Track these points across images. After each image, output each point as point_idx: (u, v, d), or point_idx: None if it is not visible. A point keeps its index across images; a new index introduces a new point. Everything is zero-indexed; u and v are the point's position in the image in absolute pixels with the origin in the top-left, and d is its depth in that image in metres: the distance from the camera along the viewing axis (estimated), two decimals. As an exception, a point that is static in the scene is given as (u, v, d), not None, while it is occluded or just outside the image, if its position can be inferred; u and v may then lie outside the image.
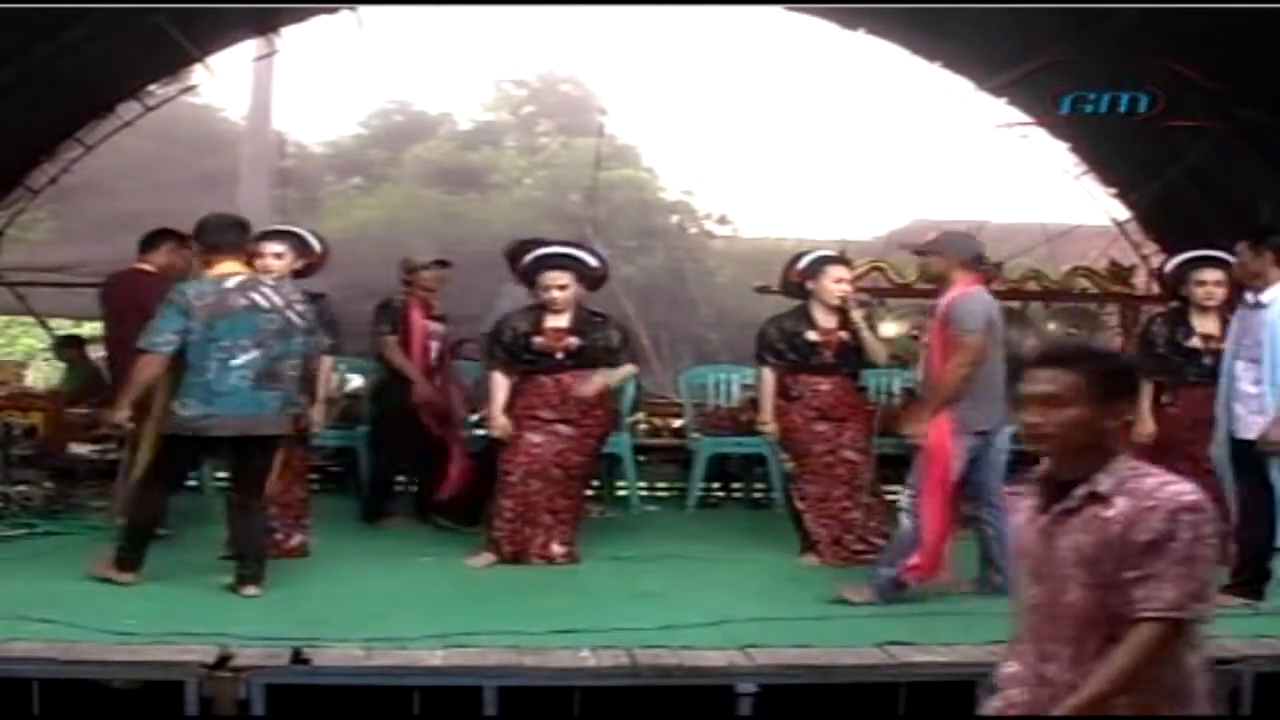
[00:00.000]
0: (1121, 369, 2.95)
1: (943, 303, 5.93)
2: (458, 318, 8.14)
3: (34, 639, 4.63)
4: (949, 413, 5.73)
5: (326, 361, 6.67)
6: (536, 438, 6.46)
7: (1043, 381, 2.85)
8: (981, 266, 6.29)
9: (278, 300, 5.69)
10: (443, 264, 7.85)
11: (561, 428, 6.52)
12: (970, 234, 6.16)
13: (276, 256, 6.40)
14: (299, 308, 5.76)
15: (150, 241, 7.01)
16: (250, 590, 5.65)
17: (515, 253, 7.31)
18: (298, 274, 6.58)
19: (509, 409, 6.58)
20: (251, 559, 5.73)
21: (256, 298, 5.65)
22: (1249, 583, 5.79)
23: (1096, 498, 2.79)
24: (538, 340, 6.50)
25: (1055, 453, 2.88)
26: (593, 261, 6.73)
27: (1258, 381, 5.77)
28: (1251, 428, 5.77)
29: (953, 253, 6.03)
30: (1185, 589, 2.70)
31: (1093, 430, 2.82)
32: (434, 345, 7.70)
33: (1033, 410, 2.86)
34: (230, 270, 5.68)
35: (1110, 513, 2.76)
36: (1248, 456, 5.79)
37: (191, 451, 5.87)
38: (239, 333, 5.57)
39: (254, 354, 5.57)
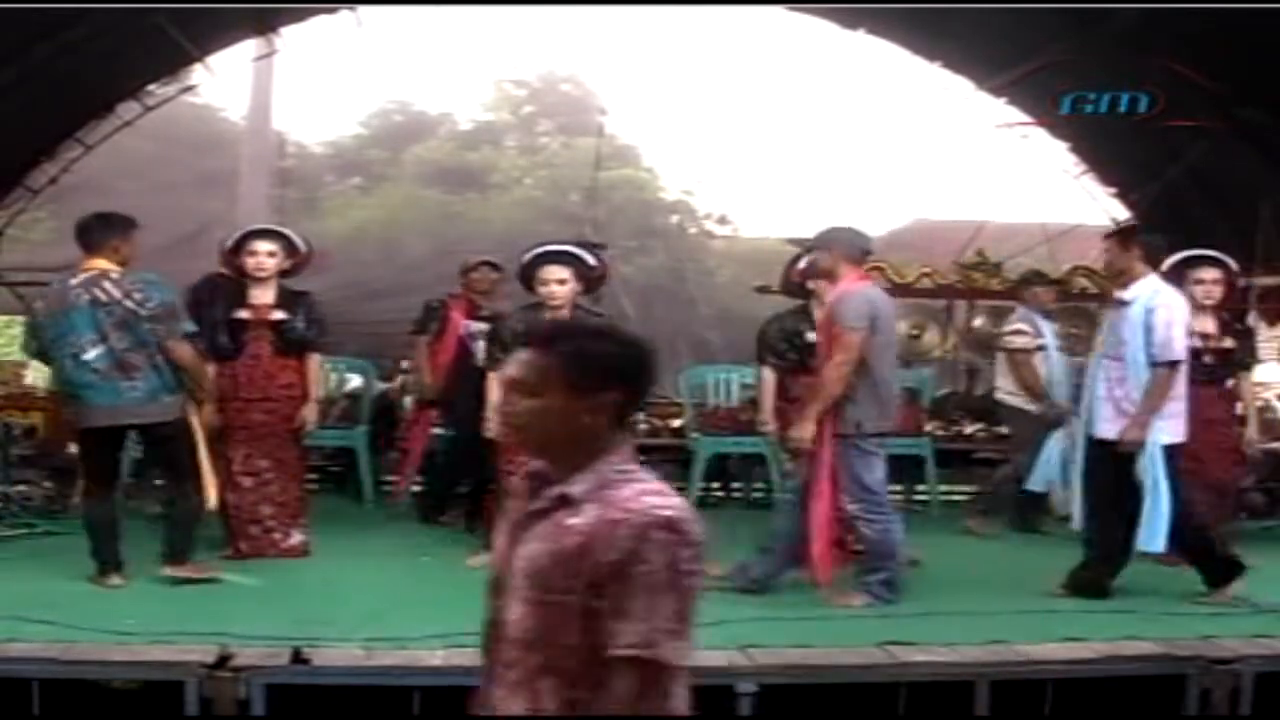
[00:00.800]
0: (604, 354, 2.39)
1: (830, 299, 5.87)
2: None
3: (34, 639, 4.63)
4: (838, 415, 5.68)
5: (315, 359, 6.67)
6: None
7: (515, 364, 2.41)
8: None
9: (116, 293, 5.74)
10: (493, 266, 7.92)
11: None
12: (858, 230, 6.10)
13: (270, 255, 6.48)
14: (138, 297, 5.78)
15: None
16: (170, 570, 5.76)
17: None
18: (284, 273, 6.61)
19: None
20: (172, 541, 5.83)
21: (97, 292, 5.73)
22: (1087, 585, 5.78)
23: (567, 501, 2.32)
24: None
25: (531, 446, 2.45)
26: (591, 260, 6.72)
27: (1121, 380, 5.76)
28: (1112, 428, 5.76)
29: (840, 248, 5.91)
30: (654, 623, 2.21)
31: (567, 422, 2.34)
32: (478, 345, 7.68)
33: (507, 396, 2.43)
34: (87, 267, 5.79)
35: (575, 521, 2.29)
36: (1105, 457, 5.79)
37: (90, 446, 5.95)
38: (82, 328, 5.71)
39: (101, 347, 5.71)
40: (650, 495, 2.29)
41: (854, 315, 5.67)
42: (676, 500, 2.30)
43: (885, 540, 5.70)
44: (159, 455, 6.08)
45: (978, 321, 10.00)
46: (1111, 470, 5.74)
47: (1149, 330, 5.67)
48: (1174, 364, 5.71)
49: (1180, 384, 5.78)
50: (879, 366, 5.70)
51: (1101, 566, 5.84)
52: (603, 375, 2.36)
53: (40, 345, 5.93)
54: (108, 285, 5.74)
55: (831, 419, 5.70)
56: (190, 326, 5.96)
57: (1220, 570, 5.87)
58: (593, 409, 2.34)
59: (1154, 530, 5.66)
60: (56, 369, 5.90)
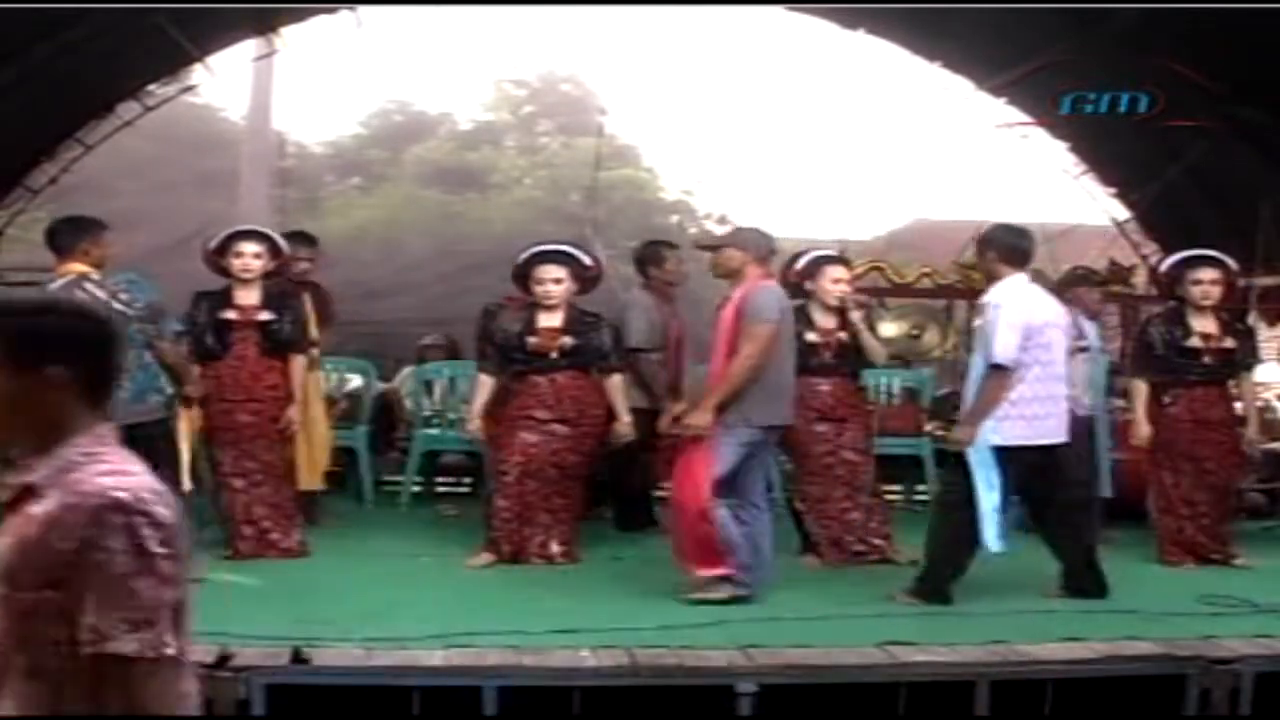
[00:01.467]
0: (45, 328, 2.18)
1: (736, 296, 5.85)
2: (453, 318, 8.11)
3: (34, 639, 4.63)
4: (732, 406, 5.70)
5: (300, 360, 6.67)
6: (532, 438, 6.45)
7: None
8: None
9: (101, 295, 5.74)
10: (671, 245, 7.93)
11: (558, 427, 6.51)
12: (763, 230, 6.08)
13: (256, 256, 6.46)
14: (124, 298, 5.79)
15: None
16: None
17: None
18: (269, 275, 6.60)
19: (503, 409, 6.58)
20: None
21: (79, 295, 5.68)
22: (920, 584, 5.76)
23: (31, 491, 2.13)
24: (532, 340, 6.49)
25: None
26: (587, 260, 6.72)
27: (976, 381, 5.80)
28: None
29: (749, 247, 5.90)
30: (113, 615, 2.01)
31: (14, 403, 2.15)
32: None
33: None
34: (64, 271, 5.78)
35: (37, 510, 2.10)
36: (948, 455, 5.94)
37: None
38: None
39: None
40: (108, 476, 2.11)
41: (768, 308, 5.73)
42: (139, 480, 2.13)
43: (726, 535, 5.70)
44: (142, 455, 6.00)
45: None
46: (958, 472, 5.76)
47: (988, 333, 5.69)
48: (999, 368, 5.65)
49: (1023, 387, 5.64)
50: (775, 361, 5.73)
51: (942, 567, 5.80)
52: (45, 350, 2.15)
53: None
54: (89, 287, 5.74)
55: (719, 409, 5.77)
56: (177, 325, 5.96)
57: (1085, 582, 5.84)
58: (40, 387, 2.14)
59: (989, 531, 5.65)
60: None
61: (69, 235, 5.91)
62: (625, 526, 7.47)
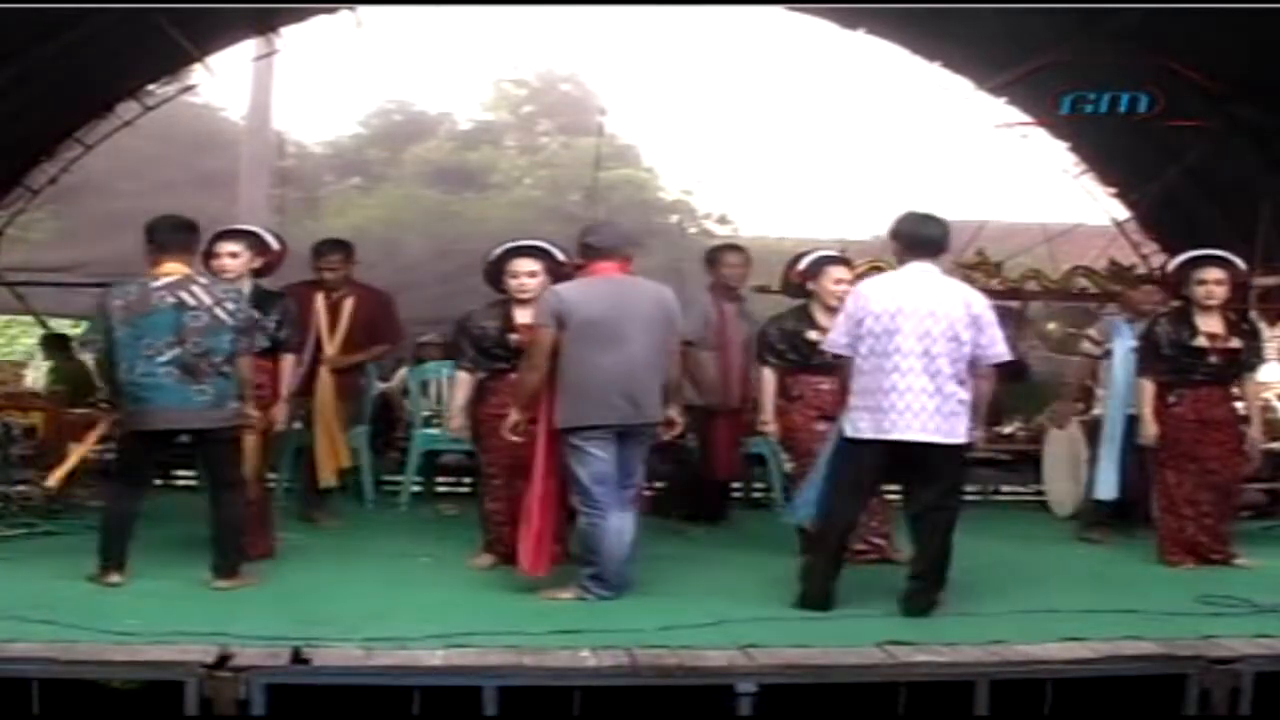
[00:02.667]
0: None
1: None
2: (452, 318, 8.07)
3: (34, 639, 4.63)
4: (553, 410, 5.75)
5: (289, 359, 6.67)
6: (517, 438, 6.43)
7: None
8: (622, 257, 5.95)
9: (206, 299, 5.76)
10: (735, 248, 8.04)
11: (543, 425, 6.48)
12: (601, 224, 6.12)
13: (232, 256, 6.43)
14: (230, 306, 5.82)
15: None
16: (221, 584, 5.73)
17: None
18: (257, 272, 6.59)
19: (481, 407, 6.56)
20: (222, 552, 5.81)
21: (184, 295, 5.73)
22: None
23: None
24: (513, 338, 6.44)
25: None
26: (560, 255, 6.69)
27: None
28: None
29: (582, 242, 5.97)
30: None
31: None
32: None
33: None
34: (168, 270, 5.78)
35: None
36: None
37: (139, 448, 5.91)
38: (161, 330, 5.68)
39: (177, 350, 5.68)
40: None
41: (539, 313, 5.85)
42: None
43: (591, 535, 5.72)
44: (211, 460, 5.97)
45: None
46: None
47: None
48: (836, 356, 5.74)
49: (860, 379, 5.54)
50: (575, 361, 5.70)
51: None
52: None
53: (107, 344, 5.81)
54: (197, 290, 5.76)
55: (546, 414, 5.81)
56: (264, 342, 6.15)
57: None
58: None
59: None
60: (119, 369, 5.74)
61: (181, 234, 5.92)
62: (693, 518, 7.70)
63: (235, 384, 5.85)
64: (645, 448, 5.98)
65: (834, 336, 5.73)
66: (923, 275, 5.61)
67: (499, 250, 6.54)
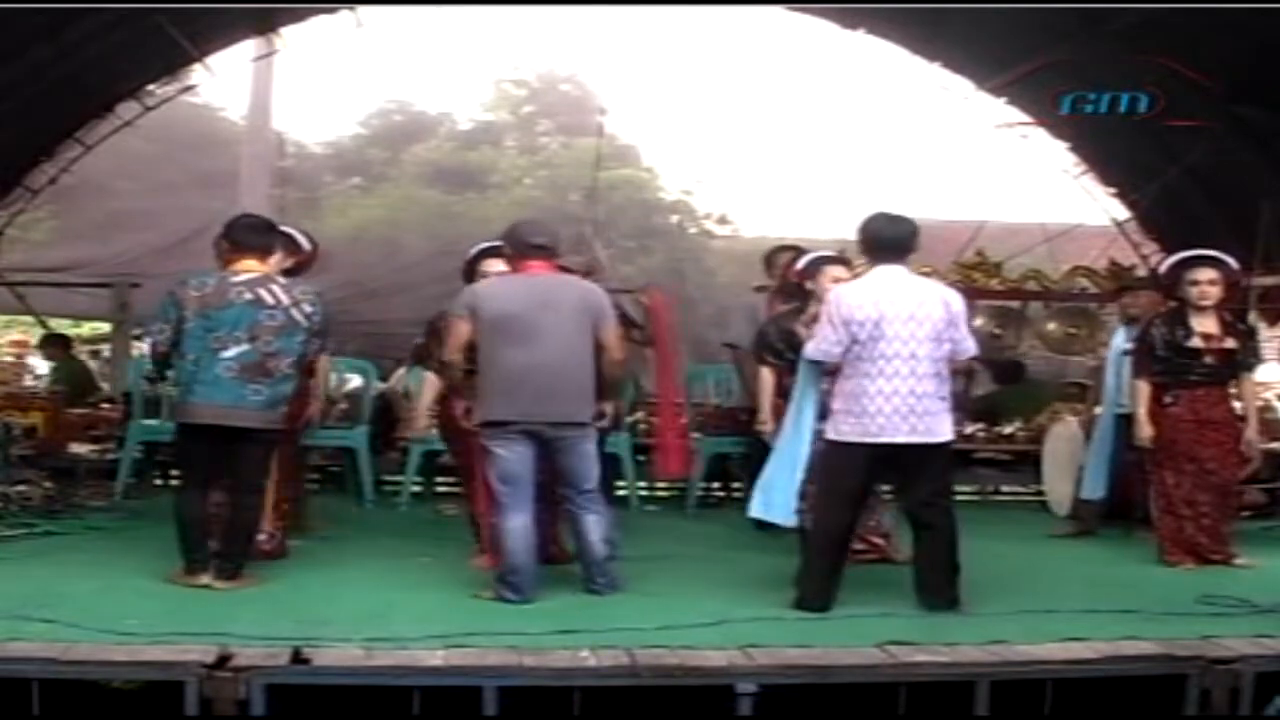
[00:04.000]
0: None
1: None
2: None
3: (34, 639, 4.62)
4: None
5: (324, 361, 6.68)
6: (470, 425, 6.41)
7: None
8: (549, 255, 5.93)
9: (284, 298, 5.76)
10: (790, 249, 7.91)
11: None
12: (522, 223, 6.06)
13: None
14: (306, 309, 5.81)
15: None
16: (222, 585, 5.70)
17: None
18: (287, 272, 6.59)
19: (446, 409, 6.56)
20: (228, 554, 5.79)
21: (262, 293, 5.73)
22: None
23: None
24: None
25: None
26: None
27: None
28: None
29: (507, 244, 5.97)
30: None
31: None
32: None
33: None
34: (246, 268, 5.78)
35: None
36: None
37: (190, 444, 5.88)
38: (234, 325, 5.66)
39: (245, 346, 5.65)
40: None
41: (455, 305, 5.87)
42: None
43: (495, 535, 5.72)
44: (244, 460, 5.85)
45: (978, 322, 10.01)
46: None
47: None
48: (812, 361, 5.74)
49: (843, 383, 5.56)
50: (486, 357, 5.69)
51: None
52: None
53: (174, 333, 5.71)
54: (276, 290, 5.76)
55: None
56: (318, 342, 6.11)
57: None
58: None
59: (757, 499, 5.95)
60: (183, 360, 5.69)
61: (262, 235, 5.94)
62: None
63: (293, 386, 5.84)
64: (582, 448, 5.83)
65: (825, 346, 5.64)
66: (899, 278, 5.62)
67: (475, 249, 6.54)
